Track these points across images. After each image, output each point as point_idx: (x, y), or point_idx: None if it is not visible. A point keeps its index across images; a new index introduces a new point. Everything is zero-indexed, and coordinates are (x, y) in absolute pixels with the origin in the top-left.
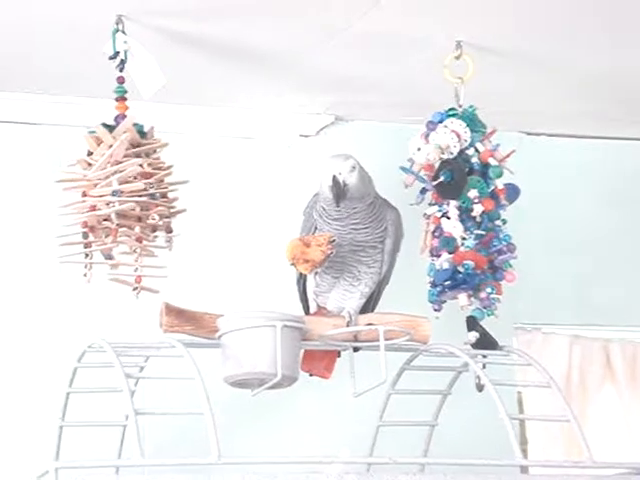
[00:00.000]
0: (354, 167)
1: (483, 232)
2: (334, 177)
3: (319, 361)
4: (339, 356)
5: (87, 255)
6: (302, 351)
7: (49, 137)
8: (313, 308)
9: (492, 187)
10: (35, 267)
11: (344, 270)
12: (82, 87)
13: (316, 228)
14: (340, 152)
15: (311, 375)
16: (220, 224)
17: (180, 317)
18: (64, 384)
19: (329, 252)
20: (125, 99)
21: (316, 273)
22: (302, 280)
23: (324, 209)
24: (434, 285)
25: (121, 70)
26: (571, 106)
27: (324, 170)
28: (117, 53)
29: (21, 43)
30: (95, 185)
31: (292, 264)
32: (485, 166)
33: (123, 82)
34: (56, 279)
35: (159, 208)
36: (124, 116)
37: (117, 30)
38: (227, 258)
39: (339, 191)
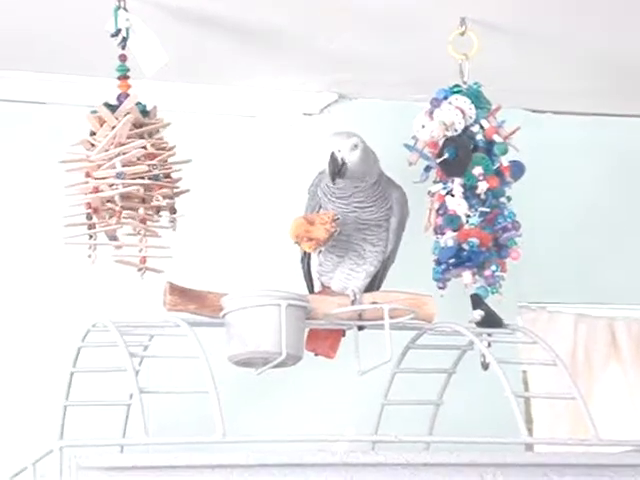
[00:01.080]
0: (356, 145)
1: (488, 209)
2: (332, 154)
3: (323, 340)
4: (344, 335)
5: (91, 236)
6: (307, 330)
7: (52, 116)
8: (317, 287)
9: (497, 164)
10: (39, 248)
11: (349, 249)
12: (84, 65)
13: (320, 206)
14: (344, 130)
15: (316, 355)
16: (223, 203)
17: (184, 296)
18: (68, 364)
19: (333, 230)
20: (127, 77)
21: (320, 252)
22: (306, 259)
23: (328, 187)
24: (438, 263)
25: (123, 48)
26: (576, 83)
27: (327, 142)
28: (119, 31)
29: (23, 22)
30: (99, 167)
31: (296, 242)
32: (490, 143)
33: (125, 60)
34: (60, 260)
35: (163, 189)
36: (127, 95)
37: (119, 7)
38: (231, 237)
39: (336, 168)
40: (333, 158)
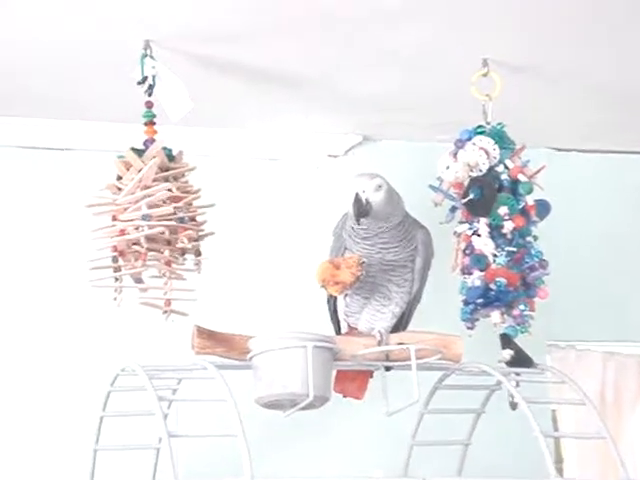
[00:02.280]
0: (380, 186)
1: (514, 249)
2: (356, 195)
3: (351, 381)
4: (371, 377)
5: (117, 279)
6: (334, 372)
7: (79, 162)
8: (344, 328)
9: (522, 204)
10: (67, 291)
11: (374, 290)
12: (111, 112)
13: (345, 248)
14: (368, 171)
15: (344, 396)
16: (249, 246)
17: (212, 339)
18: (97, 408)
19: (359, 274)
20: (154, 123)
21: (346, 295)
22: (332, 300)
23: (352, 229)
24: (466, 303)
25: (149, 95)
26: (600, 121)
27: (350, 188)
28: (145, 78)
29: (51, 69)
30: (125, 209)
31: (322, 286)
32: (515, 182)
33: (151, 107)
34: (87, 303)
35: (188, 232)
36: (153, 140)
37: (145, 55)
38: (256, 280)
39: (360, 209)
40: (357, 199)
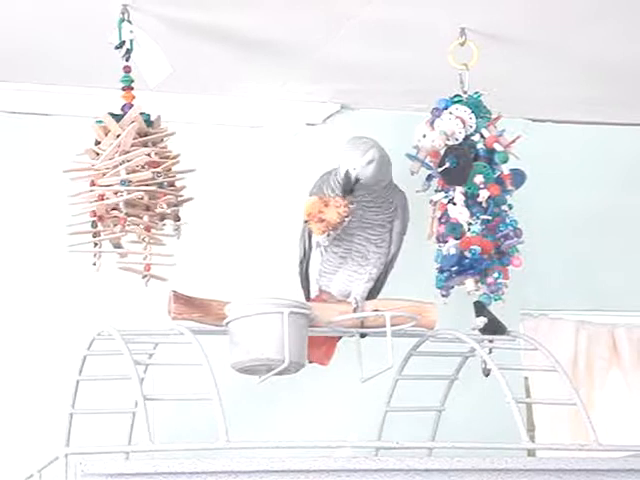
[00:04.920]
0: (372, 160)
1: (489, 217)
2: (347, 172)
3: (318, 348)
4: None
5: (96, 244)
6: None
7: (57, 127)
8: (314, 291)
9: (498, 173)
10: (44, 256)
11: (352, 249)
12: (89, 77)
13: None
14: (362, 142)
15: (310, 362)
16: (227, 212)
17: (188, 304)
18: (74, 372)
19: (345, 215)
20: (132, 88)
21: (323, 249)
22: (305, 261)
23: (336, 184)
24: (441, 271)
25: (127, 59)
26: (576, 92)
27: (342, 156)
28: (123, 42)
29: (27, 34)
30: (103, 174)
31: (306, 221)
32: (491, 152)
33: (129, 71)
34: (65, 268)
35: (167, 197)
36: (131, 105)
37: (123, 19)
38: (234, 246)
39: (348, 186)
40: (347, 176)
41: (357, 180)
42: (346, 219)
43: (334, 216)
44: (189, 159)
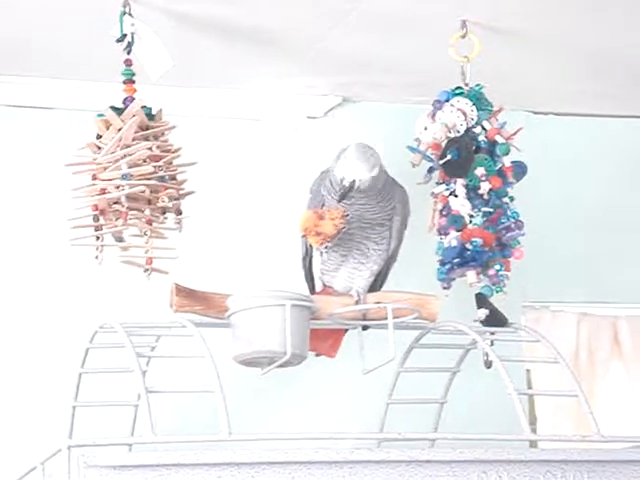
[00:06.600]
0: (376, 176)
1: (491, 209)
2: (353, 182)
3: (325, 340)
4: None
5: (98, 238)
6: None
7: (58, 121)
8: (318, 287)
9: (499, 165)
10: (47, 250)
11: (352, 247)
12: (91, 71)
13: (324, 204)
14: (371, 153)
15: (317, 355)
16: (228, 205)
17: (190, 297)
18: (76, 365)
19: (341, 227)
20: (133, 82)
21: (324, 251)
22: (308, 258)
23: (332, 186)
24: (443, 263)
25: (128, 53)
26: (577, 84)
27: (349, 163)
28: (124, 36)
29: (29, 28)
30: (105, 168)
31: (303, 235)
32: (492, 144)
33: (131, 65)
34: (67, 261)
35: (168, 190)
36: (132, 99)
37: (124, 13)
38: (236, 239)
39: (346, 195)
40: (351, 186)
41: (358, 189)
42: (343, 230)
43: (330, 228)
44: (190, 152)
